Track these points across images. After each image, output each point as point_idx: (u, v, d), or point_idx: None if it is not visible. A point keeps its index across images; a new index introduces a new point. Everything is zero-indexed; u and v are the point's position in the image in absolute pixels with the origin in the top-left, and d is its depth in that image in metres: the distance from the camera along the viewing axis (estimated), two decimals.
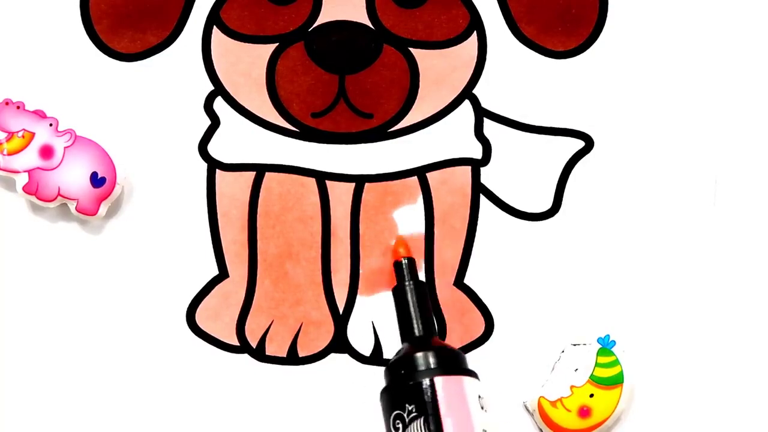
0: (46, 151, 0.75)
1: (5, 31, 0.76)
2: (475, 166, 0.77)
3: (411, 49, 0.76)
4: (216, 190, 0.77)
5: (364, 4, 0.76)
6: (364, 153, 0.77)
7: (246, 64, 0.76)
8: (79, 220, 0.76)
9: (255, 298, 0.76)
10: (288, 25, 0.76)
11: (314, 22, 0.76)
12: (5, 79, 0.76)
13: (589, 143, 0.77)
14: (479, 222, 0.77)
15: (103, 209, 0.75)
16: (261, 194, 0.77)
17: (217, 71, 0.77)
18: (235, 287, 0.77)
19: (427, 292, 0.74)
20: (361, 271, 0.76)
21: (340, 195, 0.77)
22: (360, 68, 0.76)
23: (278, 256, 0.76)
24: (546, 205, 0.77)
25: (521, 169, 0.77)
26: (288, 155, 0.77)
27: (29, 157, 0.75)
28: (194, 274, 0.76)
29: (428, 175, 0.77)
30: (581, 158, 0.77)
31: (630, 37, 0.77)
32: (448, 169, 0.77)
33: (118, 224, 0.76)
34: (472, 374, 0.71)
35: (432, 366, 0.70)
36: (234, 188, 0.77)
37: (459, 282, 0.77)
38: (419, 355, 0.70)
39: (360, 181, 0.77)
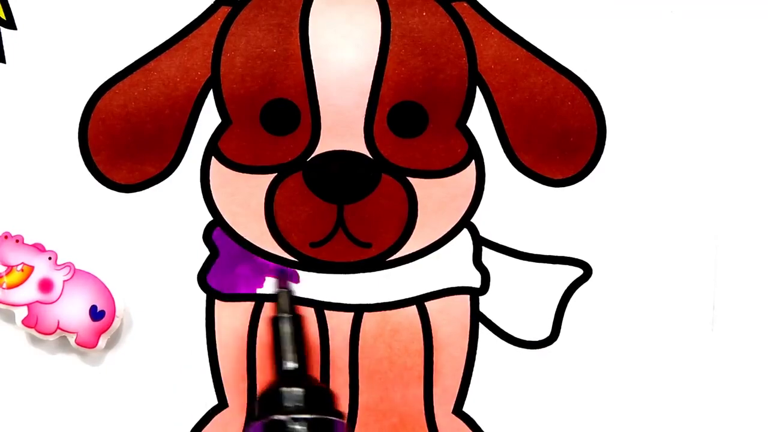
0: (46, 285, 0.75)
1: (3, 164, 0.76)
2: (474, 294, 0.77)
3: (409, 179, 0.76)
4: (215, 320, 0.77)
5: (363, 134, 0.76)
6: (362, 283, 0.77)
7: (244, 195, 0.77)
8: (79, 351, 0.76)
9: None
10: (286, 155, 0.76)
11: (312, 152, 0.76)
12: (4, 212, 0.76)
13: (587, 271, 0.77)
14: (478, 350, 0.77)
15: (102, 342, 0.75)
16: (260, 324, 0.77)
17: (215, 201, 0.77)
18: (234, 417, 0.77)
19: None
20: (359, 402, 0.77)
21: (339, 325, 0.77)
22: (358, 198, 0.76)
23: None
24: (545, 333, 0.77)
25: (520, 297, 0.77)
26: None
27: (28, 291, 0.75)
28: (193, 404, 0.76)
29: (427, 304, 0.77)
30: (579, 286, 0.77)
31: (628, 166, 0.77)
32: (446, 298, 0.77)
33: (118, 356, 0.76)
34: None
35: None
36: (233, 318, 0.77)
37: (458, 410, 0.77)
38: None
39: (359, 310, 0.77)
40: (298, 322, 0.74)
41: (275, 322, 0.73)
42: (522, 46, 0.77)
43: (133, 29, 0.76)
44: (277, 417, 0.69)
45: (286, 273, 0.76)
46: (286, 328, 0.73)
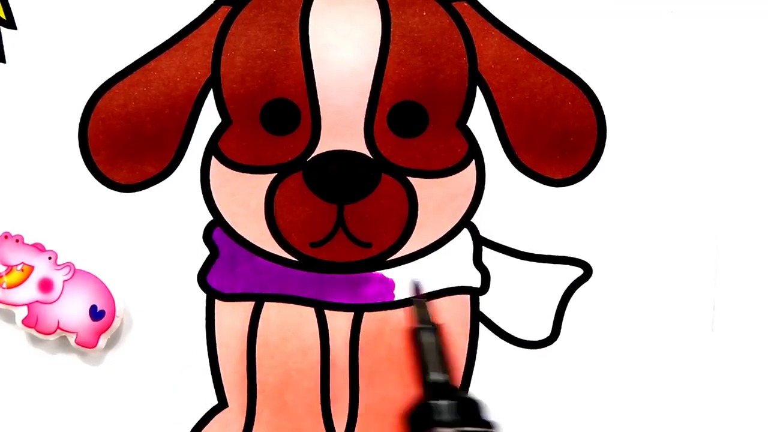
0: (46, 285, 0.75)
1: (3, 165, 0.76)
2: (474, 294, 0.77)
3: (409, 178, 0.76)
4: (215, 320, 0.77)
5: (363, 134, 0.76)
6: (362, 282, 0.77)
7: (244, 195, 0.76)
8: (79, 351, 0.76)
9: (254, 427, 0.76)
10: (286, 155, 0.76)
11: (312, 152, 0.76)
12: (4, 212, 0.76)
13: (587, 271, 0.77)
14: (478, 350, 0.77)
15: (102, 341, 0.75)
16: (260, 324, 0.77)
17: (215, 201, 0.77)
18: (234, 417, 0.77)
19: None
20: (360, 401, 0.77)
21: (339, 325, 0.77)
22: (358, 198, 0.76)
23: (277, 386, 0.76)
24: (545, 332, 0.77)
25: (520, 297, 0.77)
26: (286, 285, 0.77)
27: (28, 291, 0.75)
28: (193, 404, 0.76)
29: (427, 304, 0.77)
30: (580, 286, 0.77)
31: (628, 166, 0.77)
32: (446, 298, 0.77)
33: (118, 355, 0.77)
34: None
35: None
36: (233, 318, 0.77)
37: None
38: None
39: (359, 310, 0.77)
40: (439, 333, 0.70)
41: (417, 333, 0.70)
42: (522, 46, 0.77)
43: (133, 29, 0.76)
44: (440, 431, 0.65)
45: (420, 283, 0.75)
46: (430, 338, 0.69)
